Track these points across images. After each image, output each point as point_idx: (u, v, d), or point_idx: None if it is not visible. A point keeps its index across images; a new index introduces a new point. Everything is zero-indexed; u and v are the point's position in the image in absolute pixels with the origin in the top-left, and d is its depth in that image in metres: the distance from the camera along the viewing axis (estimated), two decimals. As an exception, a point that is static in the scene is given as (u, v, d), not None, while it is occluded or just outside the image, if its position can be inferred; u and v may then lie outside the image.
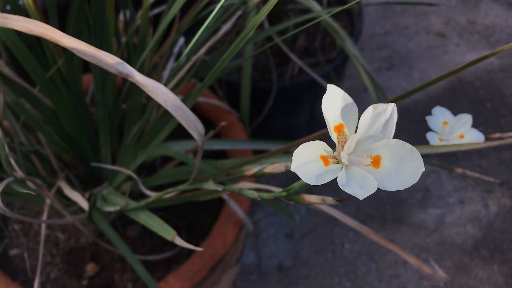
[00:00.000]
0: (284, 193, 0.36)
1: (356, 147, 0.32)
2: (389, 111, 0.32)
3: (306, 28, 1.40)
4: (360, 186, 0.29)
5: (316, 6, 1.20)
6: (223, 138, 1.02)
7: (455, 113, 0.59)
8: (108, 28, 0.73)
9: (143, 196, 0.87)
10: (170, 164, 0.88)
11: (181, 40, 1.01)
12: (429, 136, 0.56)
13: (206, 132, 1.07)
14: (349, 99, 0.32)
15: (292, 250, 1.37)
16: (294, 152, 0.29)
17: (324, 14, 1.23)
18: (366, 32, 1.87)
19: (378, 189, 0.29)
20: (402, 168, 0.31)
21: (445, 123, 0.58)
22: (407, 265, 1.33)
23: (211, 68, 0.97)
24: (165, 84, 0.73)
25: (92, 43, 0.68)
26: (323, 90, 1.27)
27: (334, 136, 0.32)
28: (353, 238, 1.38)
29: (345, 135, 0.32)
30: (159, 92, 0.39)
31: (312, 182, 0.29)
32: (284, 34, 1.35)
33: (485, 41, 1.81)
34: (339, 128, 0.32)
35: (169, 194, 0.55)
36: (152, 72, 0.87)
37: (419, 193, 1.45)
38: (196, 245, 0.93)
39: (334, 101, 0.32)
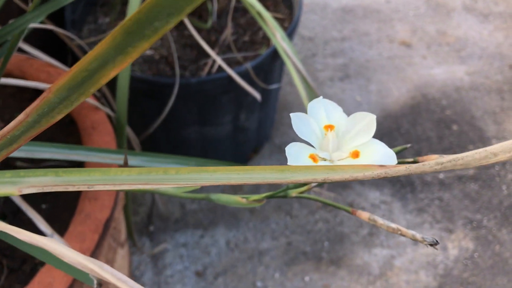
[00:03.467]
0: None
1: None
2: None
3: (236, 19, 1.14)
4: None
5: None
6: (83, 145, 0.74)
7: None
8: None
9: None
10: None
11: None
12: (291, 150, 0.29)
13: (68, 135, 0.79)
14: None
15: (202, 293, 1.09)
16: None
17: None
18: (321, 36, 1.62)
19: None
20: None
21: (329, 127, 0.30)
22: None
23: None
24: None
25: None
26: (245, 93, 1.00)
27: None
28: (279, 280, 1.11)
29: None
30: None
31: None
32: (202, 22, 1.10)
33: (455, 55, 1.57)
34: None
35: None
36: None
37: (364, 228, 1.18)
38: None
39: None
